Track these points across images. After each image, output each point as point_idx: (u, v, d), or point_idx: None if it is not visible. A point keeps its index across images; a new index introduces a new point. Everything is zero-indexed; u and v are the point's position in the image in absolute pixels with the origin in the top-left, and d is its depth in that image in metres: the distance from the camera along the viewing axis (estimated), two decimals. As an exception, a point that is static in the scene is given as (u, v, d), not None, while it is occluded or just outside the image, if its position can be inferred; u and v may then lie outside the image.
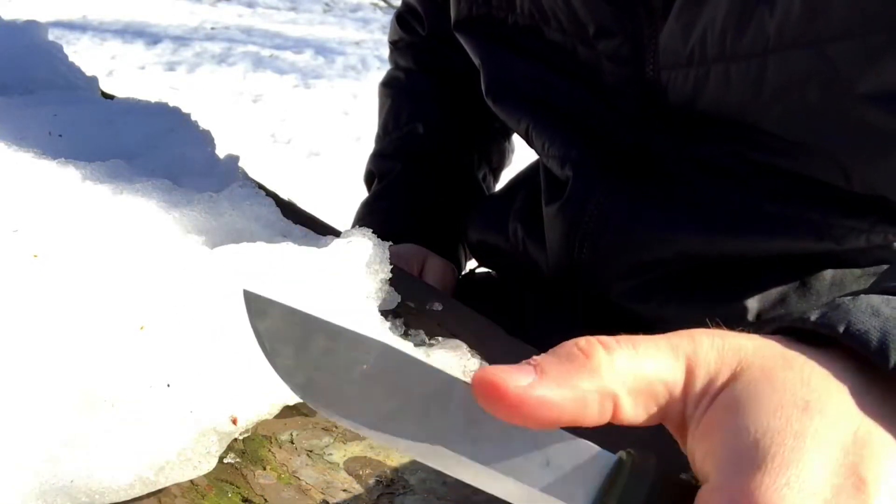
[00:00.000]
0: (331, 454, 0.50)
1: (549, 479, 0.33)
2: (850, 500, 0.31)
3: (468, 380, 0.35)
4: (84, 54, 4.38)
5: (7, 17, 0.90)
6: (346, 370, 0.35)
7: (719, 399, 0.34)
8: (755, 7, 0.63)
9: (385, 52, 1.17)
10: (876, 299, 0.37)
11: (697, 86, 0.69)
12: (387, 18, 5.60)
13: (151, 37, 4.94)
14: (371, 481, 0.48)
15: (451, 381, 0.35)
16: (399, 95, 1.09)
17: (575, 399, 0.33)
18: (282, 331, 0.35)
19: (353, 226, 0.94)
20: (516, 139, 1.08)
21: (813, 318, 0.37)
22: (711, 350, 0.35)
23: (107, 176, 0.60)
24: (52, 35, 0.88)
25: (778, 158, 0.69)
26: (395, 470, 0.49)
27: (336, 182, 3.02)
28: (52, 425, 0.43)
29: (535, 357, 0.34)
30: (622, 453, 0.34)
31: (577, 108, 0.79)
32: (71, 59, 0.86)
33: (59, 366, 0.45)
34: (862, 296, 0.37)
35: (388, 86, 1.11)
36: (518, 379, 0.33)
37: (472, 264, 1.07)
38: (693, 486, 0.33)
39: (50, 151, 0.61)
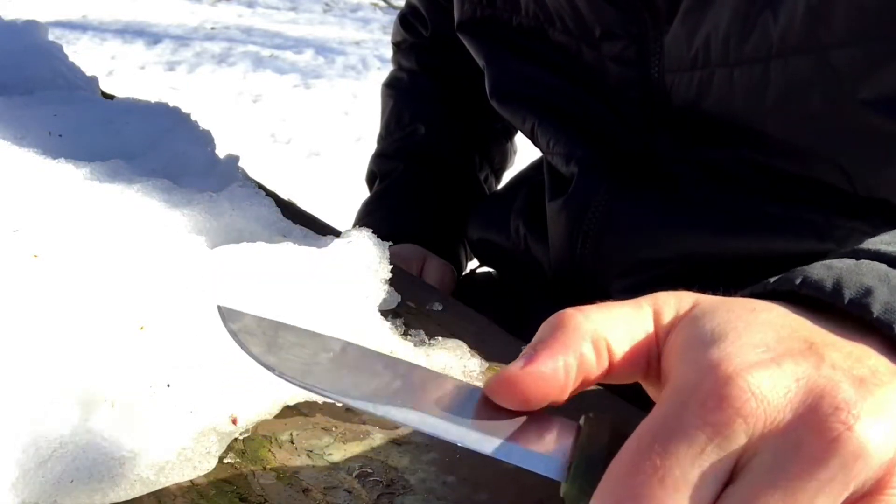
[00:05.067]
0: (331, 454, 0.50)
1: (527, 434, 0.37)
2: (804, 354, 0.34)
3: (467, 379, 0.37)
4: (84, 54, 4.38)
5: (7, 17, 0.90)
6: (313, 358, 0.38)
7: (679, 325, 0.37)
8: (759, 13, 0.63)
9: (386, 52, 1.18)
10: (828, 261, 0.41)
11: (701, 89, 0.69)
12: (387, 18, 5.60)
13: (151, 37, 4.94)
14: (371, 481, 0.48)
15: (414, 368, 0.38)
16: (401, 96, 1.09)
17: (577, 358, 0.36)
18: (253, 330, 0.39)
19: (354, 226, 0.94)
20: (518, 140, 1.09)
21: (772, 280, 0.40)
22: (669, 297, 0.39)
23: (107, 176, 0.60)
24: (52, 35, 0.88)
25: (781, 162, 0.69)
26: (395, 470, 0.49)
27: (336, 182, 3.02)
28: (51, 425, 0.43)
29: (524, 349, 0.38)
30: (582, 417, 0.38)
31: (581, 110, 0.79)
32: (71, 59, 0.86)
33: (59, 366, 0.45)
34: (817, 262, 0.41)
35: (391, 86, 1.12)
36: (519, 362, 0.36)
37: (472, 264, 1.07)
38: None
39: (50, 151, 0.61)
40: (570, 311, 0.38)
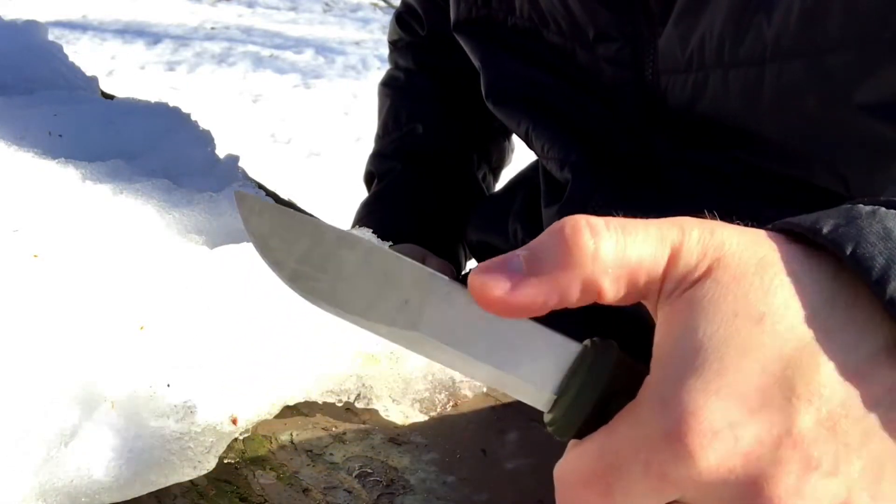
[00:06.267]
0: (331, 454, 0.50)
1: (519, 364, 0.36)
2: (778, 412, 0.32)
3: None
4: (84, 54, 4.38)
5: (7, 17, 0.90)
6: (334, 263, 0.37)
7: (687, 293, 0.35)
8: (753, 15, 0.63)
9: (385, 52, 1.17)
10: (892, 220, 0.36)
11: (696, 91, 0.69)
12: (387, 18, 5.59)
13: (151, 37, 4.94)
14: (371, 481, 0.48)
15: (433, 275, 0.37)
16: (398, 95, 1.09)
17: (559, 291, 0.35)
18: (272, 227, 0.37)
19: (353, 226, 0.94)
20: (516, 138, 1.09)
21: (825, 230, 0.36)
22: (697, 244, 0.36)
23: (107, 176, 0.60)
24: (52, 35, 0.88)
25: (777, 164, 0.69)
26: (395, 470, 0.49)
27: (336, 182, 3.02)
28: (52, 425, 0.44)
29: (527, 246, 0.35)
30: (587, 342, 0.36)
31: (576, 112, 0.79)
32: (71, 59, 0.86)
33: (60, 365, 0.45)
34: (881, 210, 0.37)
35: (388, 86, 1.11)
36: (505, 283, 0.35)
37: (472, 264, 1.07)
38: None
39: (50, 151, 0.61)
40: (584, 233, 0.35)
